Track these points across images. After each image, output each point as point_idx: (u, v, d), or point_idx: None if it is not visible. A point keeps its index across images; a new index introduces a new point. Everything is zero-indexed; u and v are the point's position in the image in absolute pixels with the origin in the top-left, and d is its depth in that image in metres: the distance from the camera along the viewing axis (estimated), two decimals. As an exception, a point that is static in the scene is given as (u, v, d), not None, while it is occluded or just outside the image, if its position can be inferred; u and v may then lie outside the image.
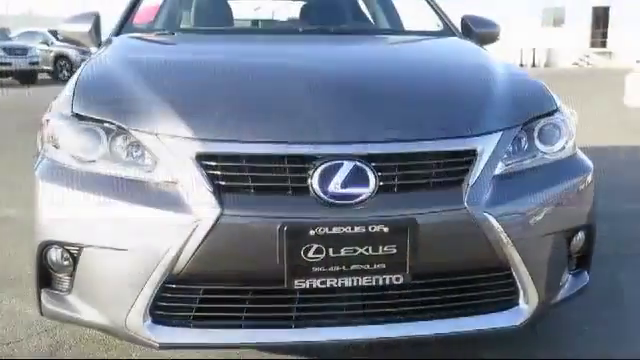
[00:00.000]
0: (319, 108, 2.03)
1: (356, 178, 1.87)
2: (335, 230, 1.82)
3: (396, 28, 3.77)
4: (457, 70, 2.57)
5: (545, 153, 2.16)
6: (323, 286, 1.86)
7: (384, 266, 1.87)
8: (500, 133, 2.06)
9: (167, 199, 1.89)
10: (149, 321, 1.92)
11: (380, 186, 1.88)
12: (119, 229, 1.91)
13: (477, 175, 1.96)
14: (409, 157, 1.94)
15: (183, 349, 2.02)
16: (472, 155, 1.98)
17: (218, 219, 1.82)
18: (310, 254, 1.83)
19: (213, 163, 1.89)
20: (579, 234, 2.22)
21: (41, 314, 2.22)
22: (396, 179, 1.91)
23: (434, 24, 3.49)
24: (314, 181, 1.87)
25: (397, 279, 1.88)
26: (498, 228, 1.93)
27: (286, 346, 1.96)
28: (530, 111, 2.20)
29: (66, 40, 3.28)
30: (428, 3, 3.48)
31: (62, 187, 2.01)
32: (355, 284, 1.88)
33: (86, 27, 3.11)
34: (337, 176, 1.87)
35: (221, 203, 1.83)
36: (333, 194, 1.86)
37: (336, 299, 1.92)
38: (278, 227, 1.81)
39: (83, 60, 3.40)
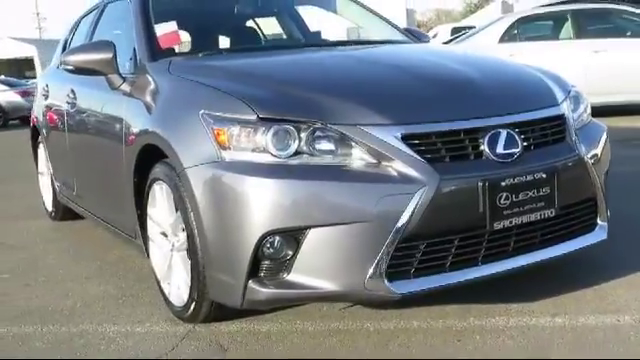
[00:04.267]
0: (466, 93, 2.58)
1: (509, 141, 2.46)
2: (517, 180, 2.40)
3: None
4: (502, 60, 3.27)
5: (576, 118, 2.94)
6: (510, 225, 2.42)
7: (543, 204, 2.48)
8: (566, 102, 2.80)
9: (386, 175, 2.29)
10: (386, 279, 2.29)
11: (524, 146, 2.50)
12: (350, 205, 2.26)
13: (572, 132, 2.68)
14: (536, 122, 2.59)
15: (415, 296, 2.39)
16: (563, 118, 2.69)
17: (439, 184, 2.28)
18: (502, 200, 2.38)
19: (417, 141, 2.34)
20: None
21: (240, 307, 2.42)
22: (531, 139, 2.54)
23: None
24: (485, 147, 2.42)
25: (551, 212, 2.51)
26: (592, 167, 2.66)
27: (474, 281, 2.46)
28: (565, 86, 2.98)
29: (77, 70, 3.28)
30: (386, 20, 4.11)
31: (274, 180, 2.28)
32: (527, 220, 2.46)
33: (108, 55, 3.18)
34: (500, 141, 2.44)
35: (437, 171, 2.29)
36: (500, 154, 2.43)
37: (511, 235, 2.48)
38: (480, 183, 2.33)
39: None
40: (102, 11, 4.16)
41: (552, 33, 9.39)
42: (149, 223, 2.99)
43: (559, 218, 2.59)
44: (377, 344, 2.48)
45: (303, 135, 2.34)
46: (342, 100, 2.43)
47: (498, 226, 2.39)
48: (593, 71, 8.44)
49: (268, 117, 2.36)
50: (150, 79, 3.05)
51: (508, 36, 9.14)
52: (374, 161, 2.32)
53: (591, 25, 9.06)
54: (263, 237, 2.29)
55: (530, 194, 2.44)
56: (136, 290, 3.28)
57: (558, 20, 9.31)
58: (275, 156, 2.32)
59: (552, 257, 2.61)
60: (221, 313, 2.67)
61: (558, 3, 11.43)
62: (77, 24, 4.77)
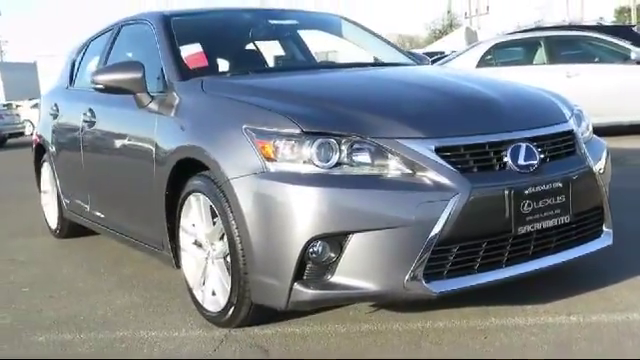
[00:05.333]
0: (488, 110, 2.81)
1: (528, 154, 2.69)
2: (538, 188, 2.62)
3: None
4: (510, 81, 3.52)
5: (581, 134, 3.19)
6: (531, 229, 2.64)
7: (559, 211, 2.71)
8: (572, 119, 3.06)
9: (422, 184, 2.49)
10: (423, 279, 2.48)
11: (541, 158, 2.73)
12: (391, 211, 2.45)
13: (581, 145, 2.92)
14: (550, 137, 2.83)
15: (450, 295, 2.58)
16: (573, 133, 2.94)
17: (471, 191, 2.49)
18: (525, 207, 2.60)
19: (448, 153, 2.55)
20: None
21: (285, 308, 2.58)
22: (546, 152, 2.78)
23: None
24: (508, 158, 2.65)
25: (566, 219, 2.74)
26: (599, 177, 2.91)
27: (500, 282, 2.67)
28: (569, 105, 3.23)
29: (107, 89, 3.43)
30: (391, 44, 4.36)
31: (319, 189, 2.46)
32: (545, 226, 2.68)
33: (138, 74, 3.34)
34: (520, 153, 2.67)
35: (469, 180, 2.51)
36: (521, 165, 2.65)
37: (531, 240, 2.70)
38: (507, 192, 2.55)
39: None
40: (117, 33, 4.31)
41: (526, 58, 9.79)
42: (182, 234, 3.13)
43: (572, 224, 2.81)
44: (409, 342, 2.66)
45: (344, 148, 2.53)
46: (379, 116, 2.64)
47: (522, 231, 2.61)
48: (566, 95, 8.80)
49: (312, 131, 2.55)
50: (182, 97, 3.21)
51: (485, 61, 9.50)
52: (409, 171, 2.52)
53: (563, 51, 9.49)
54: (309, 242, 2.47)
55: (549, 202, 2.66)
56: (162, 300, 3.41)
57: (532, 46, 9.73)
58: (319, 167, 2.51)
59: (565, 261, 2.83)
60: (258, 316, 2.82)
61: (522, 31, 11.92)
62: (86, 45, 4.91)
